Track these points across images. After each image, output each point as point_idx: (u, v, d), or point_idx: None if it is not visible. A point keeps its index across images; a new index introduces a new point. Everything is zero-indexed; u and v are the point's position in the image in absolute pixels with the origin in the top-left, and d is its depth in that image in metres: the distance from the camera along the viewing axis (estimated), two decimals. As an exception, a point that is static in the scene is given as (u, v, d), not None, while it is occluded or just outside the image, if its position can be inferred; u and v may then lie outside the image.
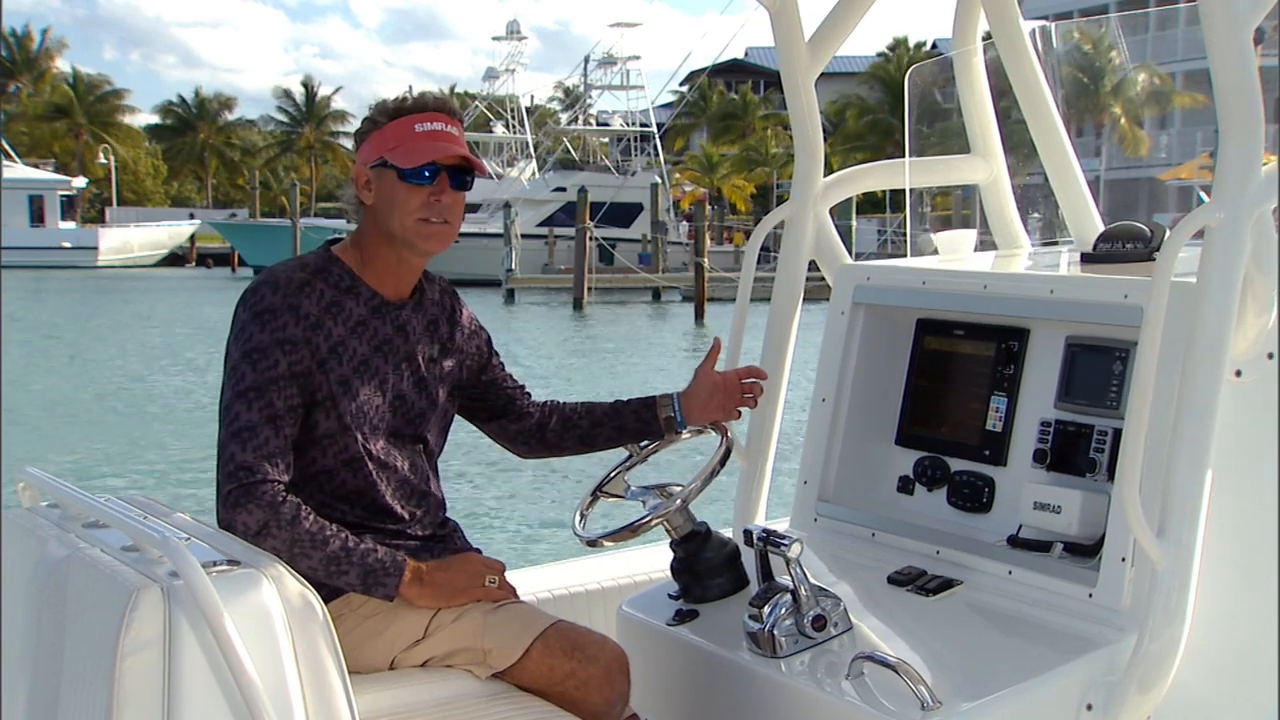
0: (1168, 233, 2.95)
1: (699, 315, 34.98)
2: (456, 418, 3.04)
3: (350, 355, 2.69)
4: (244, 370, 2.59)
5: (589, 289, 39.35)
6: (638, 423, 3.14)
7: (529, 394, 3.17)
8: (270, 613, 2.17)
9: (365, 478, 2.72)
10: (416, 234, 2.73)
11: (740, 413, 3.22)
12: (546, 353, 26.50)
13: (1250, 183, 2.46)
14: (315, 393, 2.64)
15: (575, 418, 3.15)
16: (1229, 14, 2.41)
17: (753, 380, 3.22)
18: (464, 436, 3.21)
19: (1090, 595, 2.66)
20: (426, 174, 2.71)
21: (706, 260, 36.70)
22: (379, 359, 2.75)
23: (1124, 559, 2.61)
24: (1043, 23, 3.93)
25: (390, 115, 2.74)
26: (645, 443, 3.20)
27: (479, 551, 2.89)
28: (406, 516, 2.79)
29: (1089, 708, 2.50)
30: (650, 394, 3.19)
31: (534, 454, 3.19)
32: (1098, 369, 2.87)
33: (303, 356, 2.62)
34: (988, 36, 3.77)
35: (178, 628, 2.09)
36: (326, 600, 2.32)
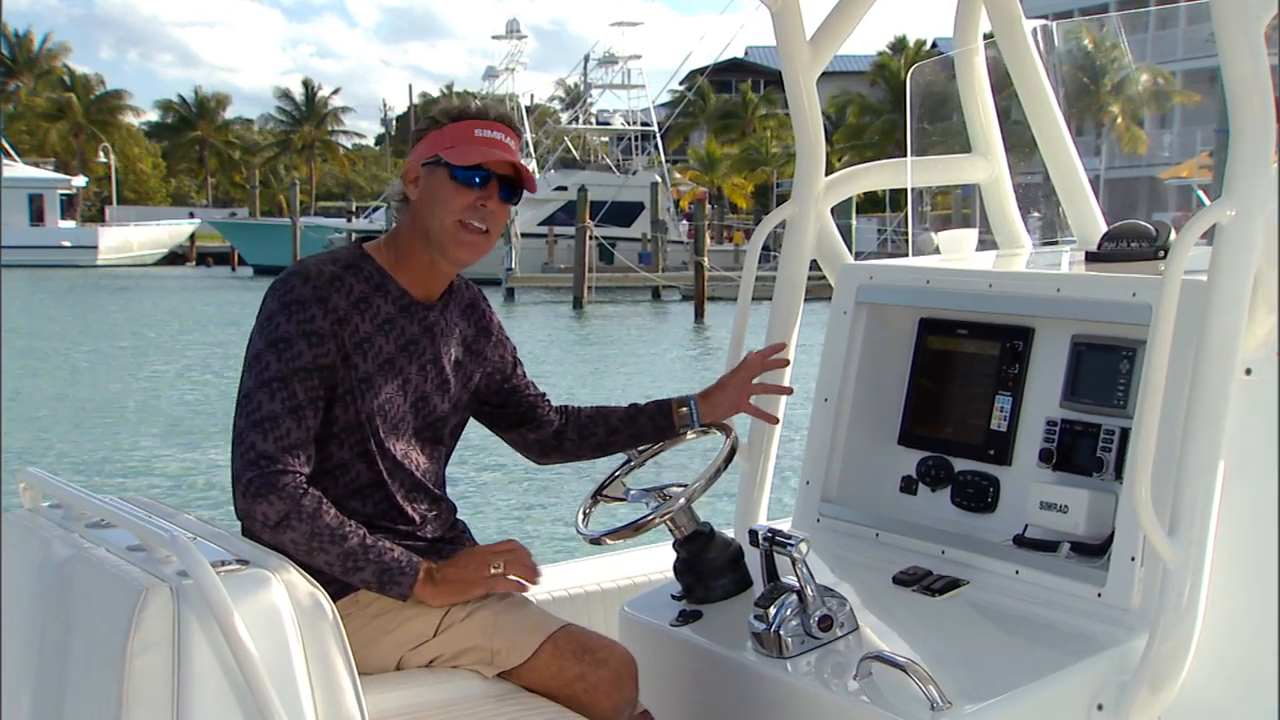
0: (1173, 231, 2.94)
1: (699, 314, 34.98)
2: (472, 422, 3.03)
3: (375, 353, 2.69)
4: (268, 359, 2.57)
5: (589, 288, 39.35)
6: (654, 429, 3.14)
7: (549, 401, 3.16)
8: (280, 612, 2.16)
9: (379, 475, 2.71)
10: (453, 238, 2.72)
11: (753, 404, 3.23)
12: (546, 352, 26.49)
13: (1262, 180, 2.46)
14: (337, 387, 2.64)
15: (591, 425, 3.15)
16: (1241, 10, 2.40)
17: (765, 374, 3.23)
18: (471, 437, 3.20)
19: (1099, 595, 2.65)
20: (477, 179, 2.70)
21: (706, 259, 36.70)
22: (404, 358, 2.74)
23: (1133, 558, 2.60)
24: (1044, 22, 3.92)
25: (453, 117, 2.74)
26: (645, 445, 3.19)
27: None
28: (418, 519, 2.78)
29: (1100, 708, 2.49)
30: (664, 398, 3.19)
31: (550, 460, 3.19)
32: (1104, 368, 2.87)
33: (328, 350, 2.61)
34: (989, 35, 3.76)
35: (187, 627, 2.09)
36: (334, 599, 2.32)
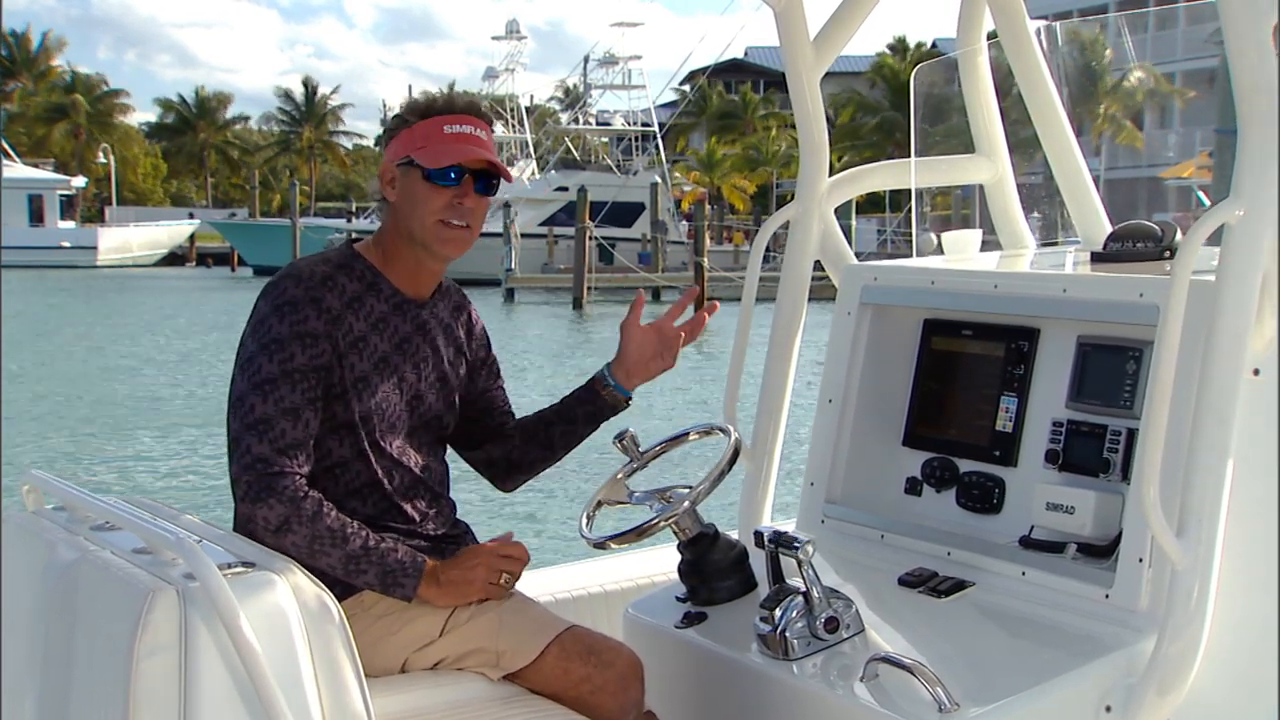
0: (1179, 232, 2.93)
1: (699, 315, 34.92)
2: None
3: (370, 351, 2.68)
4: (260, 362, 2.57)
5: (588, 288, 39.36)
6: (583, 408, 3.06)
7: (514, 418, 3.11)
8: (286, 614, 2.16)
9: (376, 475, 2.71)
10: (435, 236, 2.72)
11: (673, 359, 3.09)
12: (546, 352, 26.49)
13: (1270, 178, 2.45)
14: (333, 386, 2.63)
15: (531, 426, 3.08)
16: (1249, 12, 2.40)
17: (683, 324, 3.09)
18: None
19: (1106, 596, 2.64)
20: (451, 176, 2.69)
21: (706, 260, 36.69)
22: (398, 356, 2.74)
23: (1141, 559, 2.59)
24: (1046, 22, 3.92)
25: (420, 114, 2.73)
26: (646, 447, 3.17)
27: None
28: (417, 517, 2.77)
29: (1108, 710, 2.48)
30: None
31: (511, 480, 3.12)
32: (1111, 368, 2.86)
33: (323, 350, 2.60)
34: (992, 35, 3.75)
35: (194, 630, 2.09)
36: (339, 599, 2.31)
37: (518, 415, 3.12)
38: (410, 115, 2.74)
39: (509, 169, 2.87)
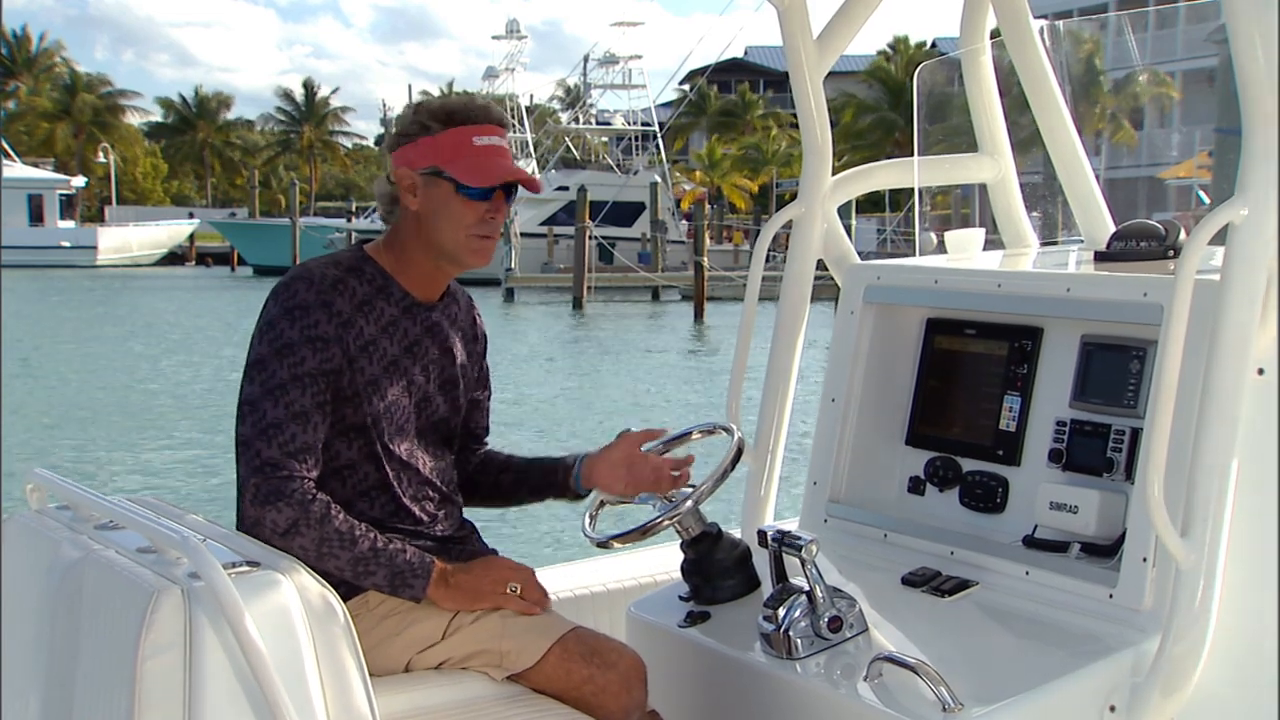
0: (1183, 231, 2.93)
1: (698, 314, 34.95)
2: None
3: (380, 355, 2.68)
4: (272, 366, 2.56)
5: (588, 288, 39.36)
6: (543, 478, 3.01)
7: (484, 444, 3.08)
8: (291, 614, 2.16)
9: (385, 477, 2.71)
10: (467, 249, 2.71)
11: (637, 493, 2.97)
12: (546, 352, 26.50)
13: (1274, 178, 2.45)
14: (343, 390, 2.63)
15: (498, 471, 3.04)
16: (1253, 8, 2.40)
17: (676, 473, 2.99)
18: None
19: (1111, 596, 2.64)
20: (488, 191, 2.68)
21: (706, 259, 36.69)
22: (407, 359, 2.74)
23: (1145, 559, 2.59)
24: (1049, 21, 3.91)
25: (444, 122, 2.68)
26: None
27: (496, 553, 2.86)
28: (426, 518, 2.77)
29: (1112, 709, 2.48)
30: (571, 453, 3.05)
31: (468, 502, 3.04)
32: (1114, 368, 2.86)
33: (334, 354, 2.60)
34: (995, 34, 3.75)
35: (199, 629, 2.09)
36: (343, 599, 2.31)
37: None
38: (433, 122, 2.69)
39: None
